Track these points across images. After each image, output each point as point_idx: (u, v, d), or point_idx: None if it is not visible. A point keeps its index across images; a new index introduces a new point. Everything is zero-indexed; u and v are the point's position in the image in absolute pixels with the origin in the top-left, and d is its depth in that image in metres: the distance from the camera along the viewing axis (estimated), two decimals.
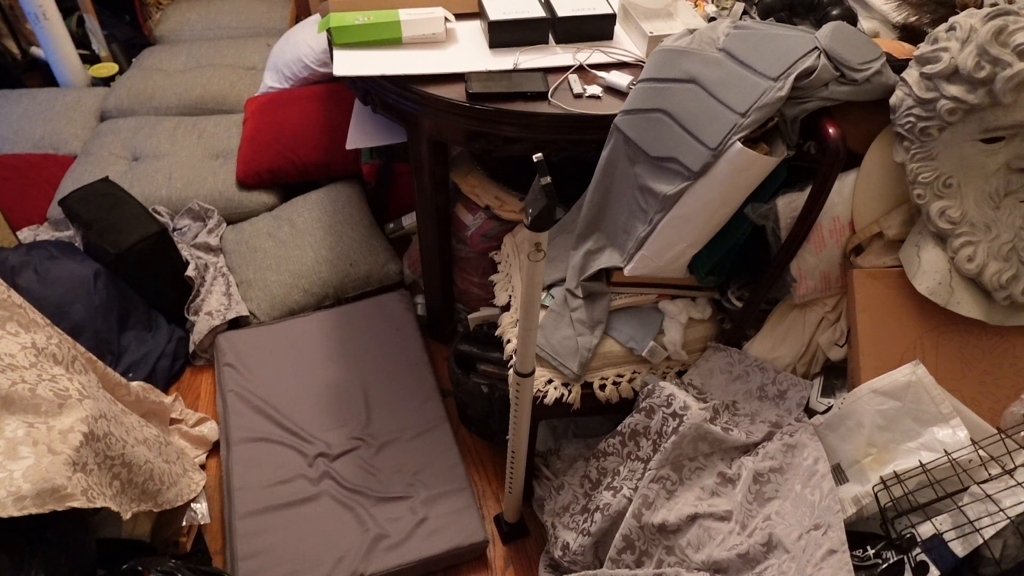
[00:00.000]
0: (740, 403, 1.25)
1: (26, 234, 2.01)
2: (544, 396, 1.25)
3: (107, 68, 2.66)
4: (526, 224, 0.90)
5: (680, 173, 1.09)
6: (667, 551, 1.15)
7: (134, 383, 1.48)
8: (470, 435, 1.73)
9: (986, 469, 0.96)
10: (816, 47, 1.01)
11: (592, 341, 1.26)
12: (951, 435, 1.00)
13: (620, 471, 1.27)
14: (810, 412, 1.19)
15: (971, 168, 1.04)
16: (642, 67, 1.30)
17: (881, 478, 1.01)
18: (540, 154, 0.85)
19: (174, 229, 2.06)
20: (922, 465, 0.98)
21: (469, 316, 1.72)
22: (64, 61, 2.55)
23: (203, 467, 1.63)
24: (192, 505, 1.47)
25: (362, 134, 1.71)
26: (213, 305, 1.88)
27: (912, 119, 1.02)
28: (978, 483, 0.93)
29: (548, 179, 0.84)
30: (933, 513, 0.95)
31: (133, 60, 2.66)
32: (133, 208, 1.84)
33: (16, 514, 0.91)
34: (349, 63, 1.32)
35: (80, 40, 2.66)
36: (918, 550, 0.92)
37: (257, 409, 1.66)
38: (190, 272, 1.91)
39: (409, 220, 2.13)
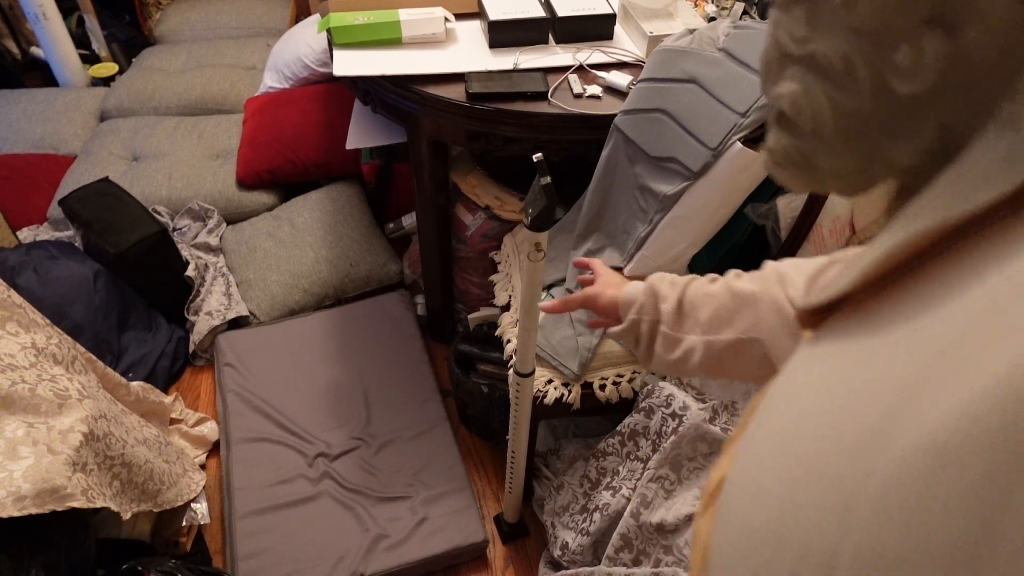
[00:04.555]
0: (739, 403, 1.25)
1: (26, 234, 2.01)
2: (544, 396, 1.25)
3: (107, 68, 2.66)
4: (526, 224, 0.90)
5: (680, 173, 1.09)
6: (665, 550, 1.15)
7: (134, 383, 1.48)
8: (470, 435, 1.73)
9: None
10: None
11: (592, 341, 1.26)
12: None
13: (619, 471, 1.27)
14: None
15: None
16: (642, 67, 1.30)
17: None
18: (540, 154, 0.85)
19: (174, 229, 2.06)
20: None
21: (469, 316, 1.72)
22: (64, 61, 2.55)
23: (203, 467, 1.63)
24: (192, 505, 1.47)
25: (362, 134, 1.71)
26: (213, 305, 1.88)
27: None
28: None
29: (548, 179, 0.84)
30: None
31: (133, 60, 2.66)
32: (133, 208, 1.84)
33: (16, 514, 0.91)
34: (349, 63, 1.32)
35: (80, 40, 2.66)
36: None
37: (257, 409, 1.66)
38: (190, 272, 1.91)
39: (409, 220, 2.13)
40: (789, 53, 0.26)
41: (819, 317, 0.28)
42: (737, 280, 0.63)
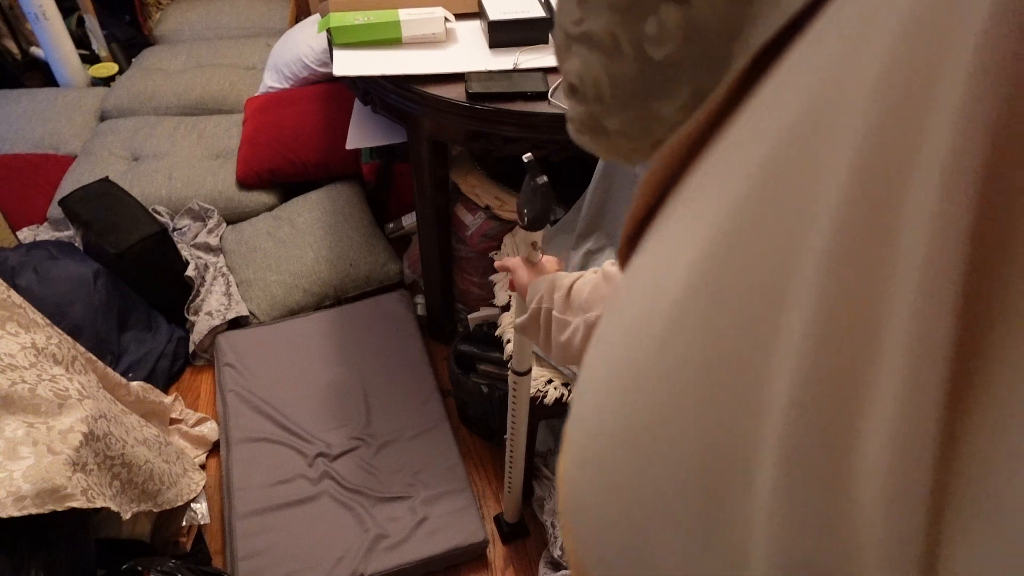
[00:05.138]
0: None
1: (26, 234, 2.01)
2: (544, 396, 1.25)
3: (107, 68, 2.66)
4: (522, 225, 0.90)
5: None
6: None
7: (134, 383, 1.48)
8: (470, 435, 1.73)
9: None
10: None
11: None
12: None
13: None
14: None
15: None
16: None
17: None
18: (530, 154, 0.84)
19: (174, 229, 2.06)
20: None
21: (469, 316, 1.72)
22: (64, 61, 2.55)
23: (203, 467, 1.63)
24: (192, 505, 1.47)
25: (362, 134, 1.71)
26: (213, 305, 1.88)
27: None
28: None
29: (544, 178, 0.84)
30: None
31: (133, 60, 2.66)
32: (133, 208, 1.84)
33: (16, 514, 0.91)
34: (349, 63, 1.32)
35: (80, 40, 2.66)
36: None
37: (257, 409, 1.66)
38: (190, 272, 1.91)
39: (409, 220, 2.13)
40: (570, 34, 0.30)
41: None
42: (611, 265, 0.71)
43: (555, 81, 1.29)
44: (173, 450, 1.41)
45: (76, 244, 1.90)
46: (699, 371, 0.18)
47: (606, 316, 0.30)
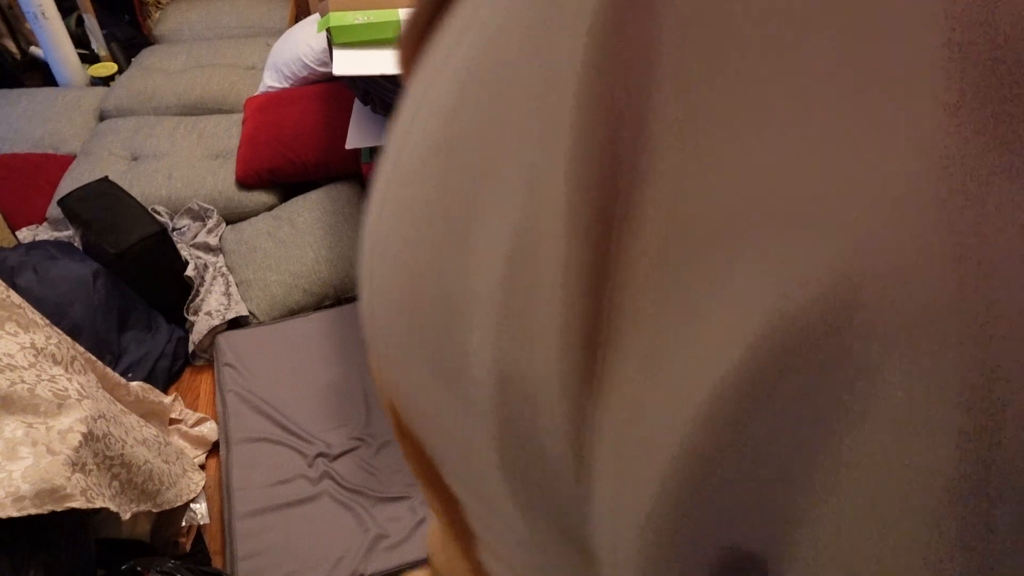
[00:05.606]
0: None
1: (26, 234, 2.01)
2: None
3: (106, 68, 2.66)
4: None
5: None
6: None
7: (134, 383, 1.48)
8: None
9: None
10: None
11: None
12: None
13: None
14: None
15: None
16: None
17: None
18: None
19: (174, 229, 2.06)
20: None
21: None
22: (63, 61, 2.55)
23: (203, 467, 1.63)
24: (192, 505, 1.47)
25: (362, 134, 1.71)
26: (213, 305, 1.88)
27: None
28: None
29: None
30: None
31: (132, 60, 2.66)
32: (133, 208, 1.84)
33: (15, 515, 0.91)
34: (349, 63, 1.32)
35: (80, 40, 2.66)
36: None
37: (257, 409, 1.66)
38: (190, 272, 1.91)
39: None
40: None
41: None
42: None
43: None
44: (173, 450, 1.40)
45: (76, 244, 1.90)
46: (435, 214, 0.19)
47: (387, 149, 0.30)
